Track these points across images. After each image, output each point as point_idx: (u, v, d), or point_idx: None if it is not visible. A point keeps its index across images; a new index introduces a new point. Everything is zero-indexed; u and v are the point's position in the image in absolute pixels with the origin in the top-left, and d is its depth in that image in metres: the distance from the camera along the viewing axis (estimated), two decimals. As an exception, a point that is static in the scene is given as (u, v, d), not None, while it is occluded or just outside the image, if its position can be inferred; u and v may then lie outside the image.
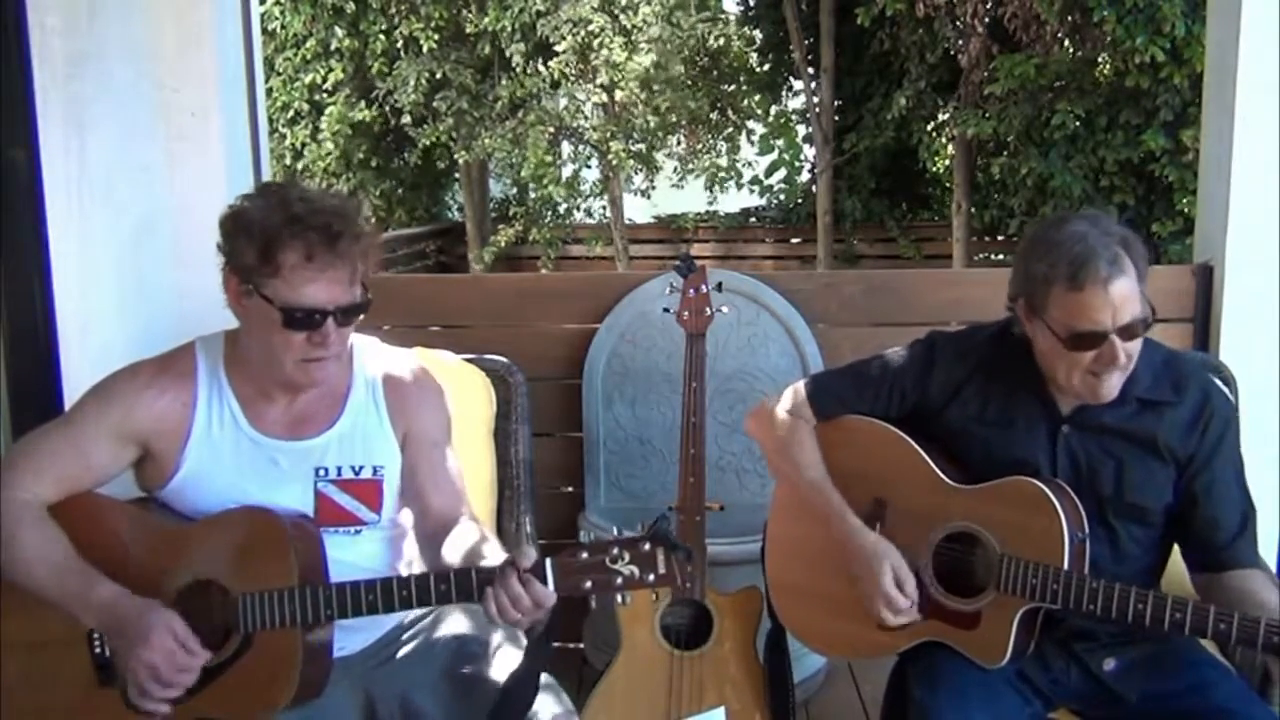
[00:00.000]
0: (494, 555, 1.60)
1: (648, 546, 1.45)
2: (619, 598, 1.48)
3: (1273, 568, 1.97)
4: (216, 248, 1.62)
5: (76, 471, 1.65)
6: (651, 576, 1.45)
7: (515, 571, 1.46)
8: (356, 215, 1.60)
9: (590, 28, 9.29)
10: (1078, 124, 7.89)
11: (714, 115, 11.05)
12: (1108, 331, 1.62)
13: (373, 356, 1.79)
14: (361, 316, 1.64)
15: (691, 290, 2.33)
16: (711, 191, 11.74)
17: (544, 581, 1.46)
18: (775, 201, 12.11)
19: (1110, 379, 1.67)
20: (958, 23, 8.50)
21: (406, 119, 9.98)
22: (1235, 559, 1.72)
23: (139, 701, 1.54)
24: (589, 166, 11.25)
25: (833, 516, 1.86)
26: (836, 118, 10.35)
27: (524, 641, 1.80)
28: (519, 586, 1.45)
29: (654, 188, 11.44)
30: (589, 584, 1.46)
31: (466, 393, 2.23)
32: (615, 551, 1.46)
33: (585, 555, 1.47)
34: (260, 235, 1.55)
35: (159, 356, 1.72)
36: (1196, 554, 1.77)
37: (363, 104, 10.01)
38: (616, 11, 9.45)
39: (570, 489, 2.99)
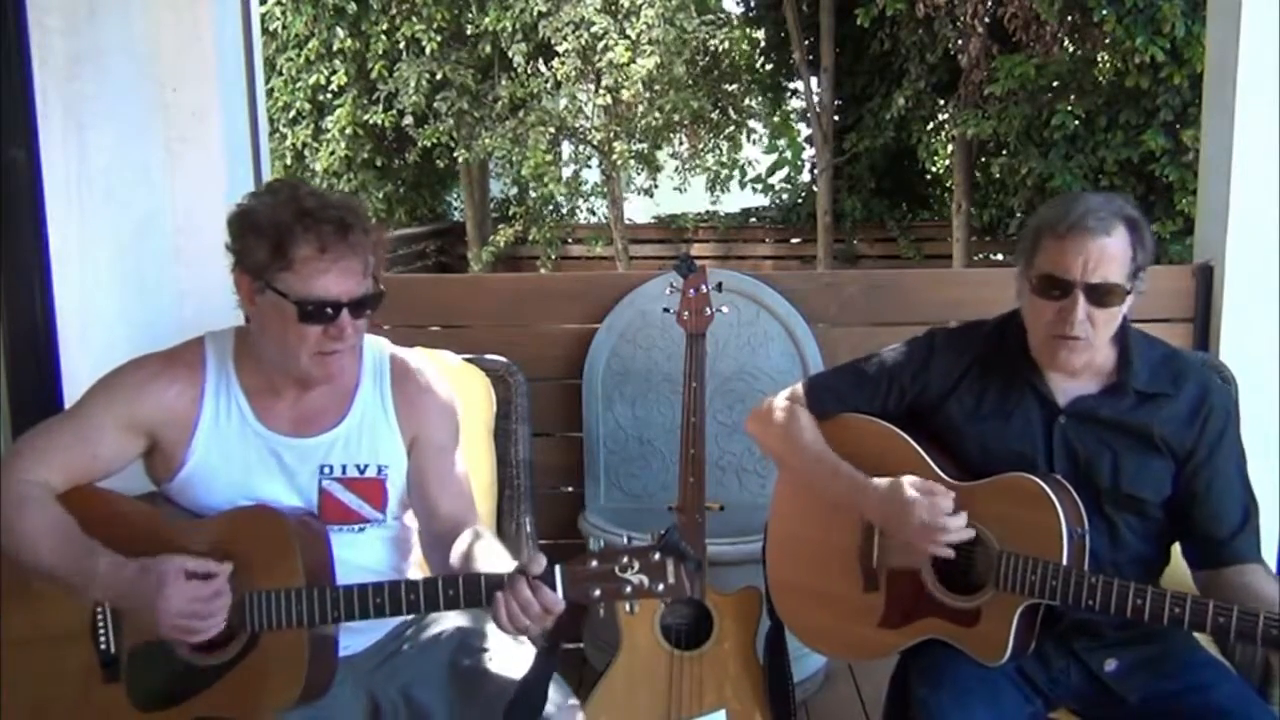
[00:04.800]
0: (499, 563, 1.60)
1: (658, 556, 1.45)
2: (627, 606, 1.48)
3: (1273, 567, 1.98)
4: (225, 248, 1.62)
5: (83, 461, 1.65)
6: (661, 586, 1.45)
7: (525, 577, 1.46)
8: (365, 211, 1.62)
9: (593, 29, 9.30)
10: (1078, 124, 7.90)
11: (715, 115, 11.05)
12: (1074, 282, 1.65)
13: (382, 355, 1.79)
14: (375, 309, 1.65)
15: (691, 290, 2.33)
16: (713, 192, 11.74)
17: (553, 589, 1.47)
18: (776, 201, 12.12)
19: (1066, 346, 1.69)
20: (958, 23, 8.50)
21: (408, 119, 9.98)
22: (1235, 554, 1.72)
23: (193, 640, 1.54)
24: (589, 166, 11.25)
25: (842, 480, 1.84)
26: (836, 118, 10.35)
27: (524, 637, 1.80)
28: (529, 592, 1.45)
29: (656, 186, 11.44)
30: (598, 592, 1.46)
31: (466, 393, 2.22)
32: (625, 560, 1.46)
33: (595, 564, 1.47)
34: (272, 231, 1.55)
35: (167, 350, 1.73)
36: (1197, 550, 1.77)
37: (377, 107, 10.01)
38: (619, 15, 9.45)
39: (570, 489, 2.99)
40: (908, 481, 1.75)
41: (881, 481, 1.79)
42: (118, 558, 1.56)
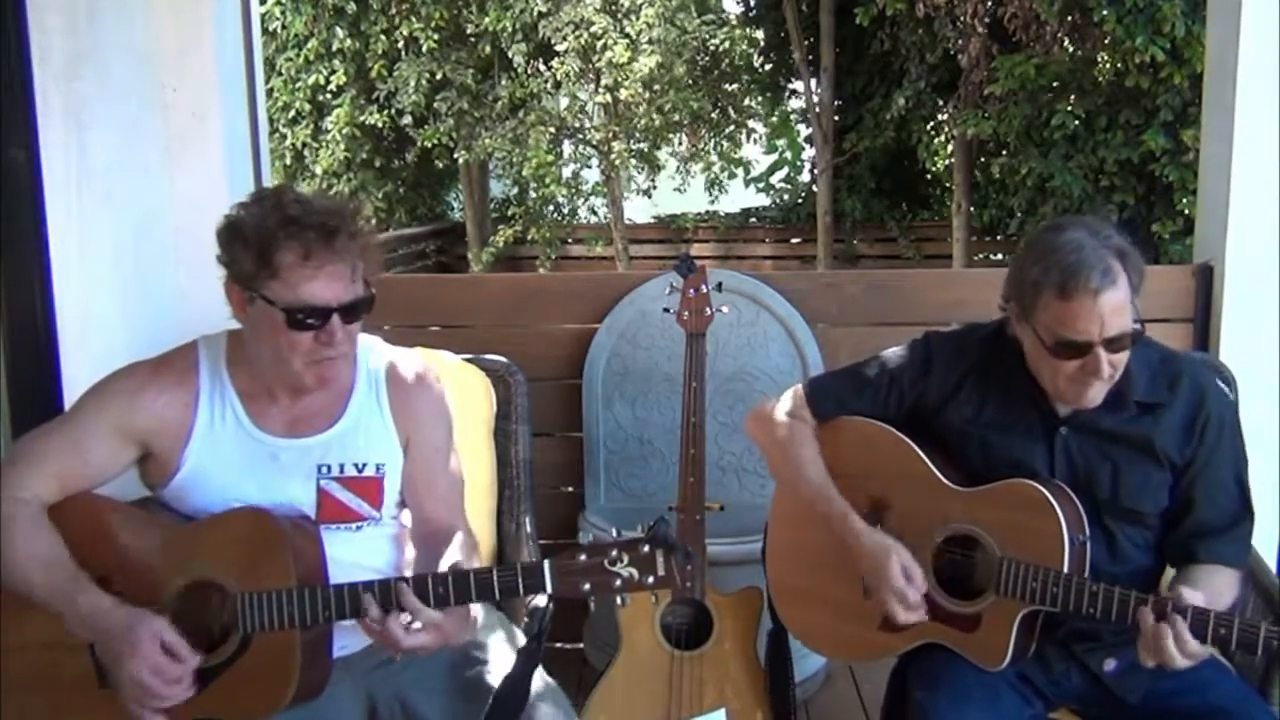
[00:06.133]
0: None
1: (647, 548, 1.45)
2: (618, 599, 1.48)
3: (1273, 567, 1.97)
4: (216, 260, 1.62)
5: (76, 470, 1.65)
6: (650, 579, 1.45)
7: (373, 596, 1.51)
8: (353, 214, 1.60)
9: (593, 29, 9.30)
10: (1078, 124, 7.89)
11: (715, 115, 11.06)
12: (1093, 343, 1.62)
13: (377, 354, 1.79)
14: (367, 313, 1.64)
15: (691, 290, 2.33)
16: (713, 192, 11.75)
17: (541, 584, 1.47)
18: (776, 201, 12.13)
19: (1094, 388, 1.67)
20: (958, 23, 8.50)
21: (407, 119, 9.98)
22: (1209, 554, 1.71)
23: (137, 712, 1.53)
24: (589, 166, 11.25)
25: (834, 518, 1.85)
26: (836, 118, 10.37)
27: (522, 642, 1.80)
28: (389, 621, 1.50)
29: (655, 187, 11.45)
30: (587, 586, 1.46)
31: (466, 393, 2.23)
32: (614, 553, 1.46)
33: (584, 557, 1.47)
34: (256, 240, 1.54)
35: (160, 356, 1.72)
36: (1175, 546, 1.76)
37: (374, 108, 10.01)
38: (619, 14, 9.46)
39: (570, 489, 2.99)
40: (901, 556, 1.75)
41: (875, 537, 1.79)
42: (102, 600, 1.55)
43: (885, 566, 1.75)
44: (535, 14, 9.45)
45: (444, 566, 1.63)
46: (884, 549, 1.77)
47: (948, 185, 10.80)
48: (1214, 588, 1.64)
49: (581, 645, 2.88)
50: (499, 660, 1.73)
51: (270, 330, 1.58)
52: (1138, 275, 1.65)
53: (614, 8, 9.54)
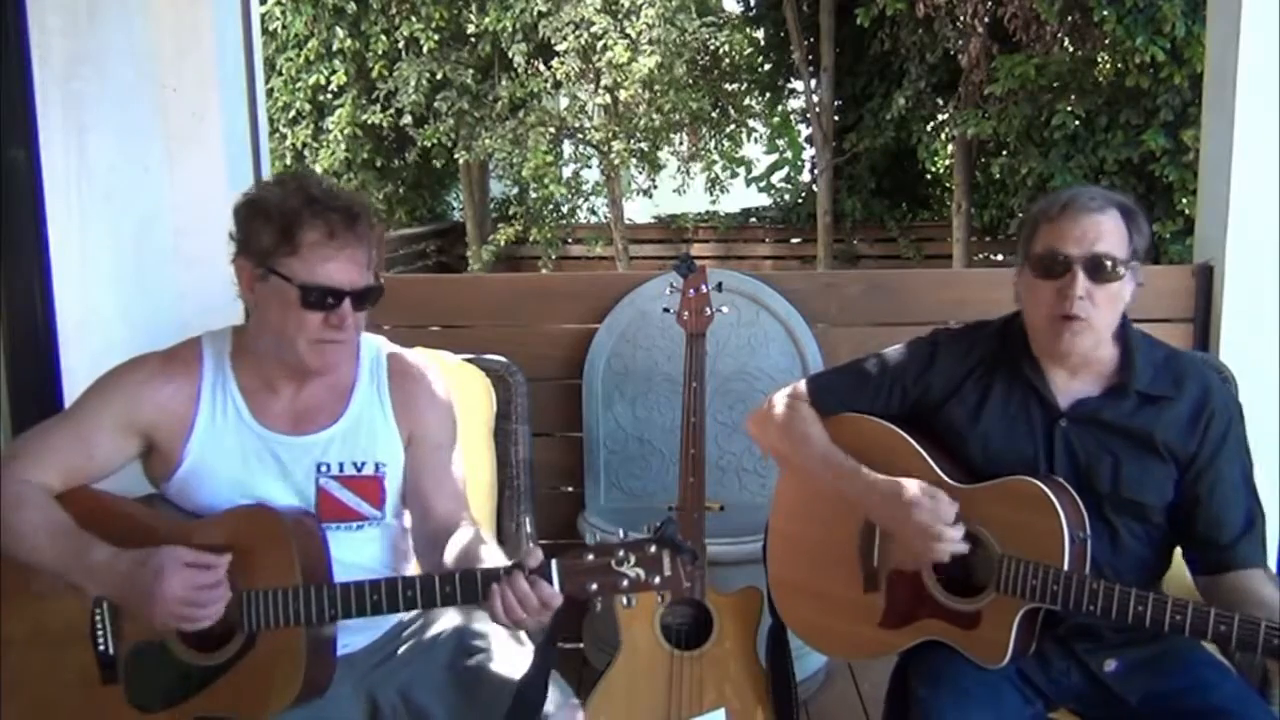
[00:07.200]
0: (493, 559, 1.60)
1: (654, 549, 1.45)
2: (624, 600, 1.48)
3: (1274, 568, 1.97)
4: (229, 236, 1.63)
5: (79, 463, 1.65)
6: (657, 579, 1.45)
7: (523, 571, 1.46)
8: (370, 206, 1.65)
9: (593, 29, 9.31)
10: (1078, 124, 7.90)
11: (715, 115, 11.06)
12: (1071, 259, 1.65)
13: (379, 353, 1.79)
14: (374, 303, 1.66)
15: (691, 290, 2.33)
16: (713, 192, 11.76)
17: (549, 583, 1.47)
18: (776, 201, 12.14)
19: (1072, 325, 1.67)
20: (958, 23, 8.51)
21: (407, 119, 9.99)
22: (1237, 560, 1.71)
23: (192, 628, 1.54)
24: (589, 166, 11.26)
25: (846, 477, 1.84)
26: (836, 118, 10.37)
27: (524, 637, 1.80)
28: (526, 586, 1.46)
29: (655, 187, 11.45)
30: (594, 586, 1.46)
31: (466, 393, 2.23)
32: (621, 553, 1.46)
33: (591, 557, 1.47)
34: (280, 216, 1.57)
35: (164, 350, 1.73)
36: (1198, 554, 1.76)
37: (376, 107, 10.02)
38: (619, 15, 9.46)
39: (570, 489, 2.99)
40: (913, 483, 1.75)
41: (886, 479, 1.78)
42: (115, 549, 1.56)
43: (905, 499, 1.73)
44: (535, 14, 9.44)
45: (453, 550, 1.63)
46: (897, 486, 1.76)
47: (948, 185, 10.82)
48: (1263, 591, 1.65)
49: (581, 645, 2.88)
50: (500, 656, 1.73)
51: (280, 308, 1.59)
52: (1140, 234, 1.70)
53: (614, 8, 9.53)
